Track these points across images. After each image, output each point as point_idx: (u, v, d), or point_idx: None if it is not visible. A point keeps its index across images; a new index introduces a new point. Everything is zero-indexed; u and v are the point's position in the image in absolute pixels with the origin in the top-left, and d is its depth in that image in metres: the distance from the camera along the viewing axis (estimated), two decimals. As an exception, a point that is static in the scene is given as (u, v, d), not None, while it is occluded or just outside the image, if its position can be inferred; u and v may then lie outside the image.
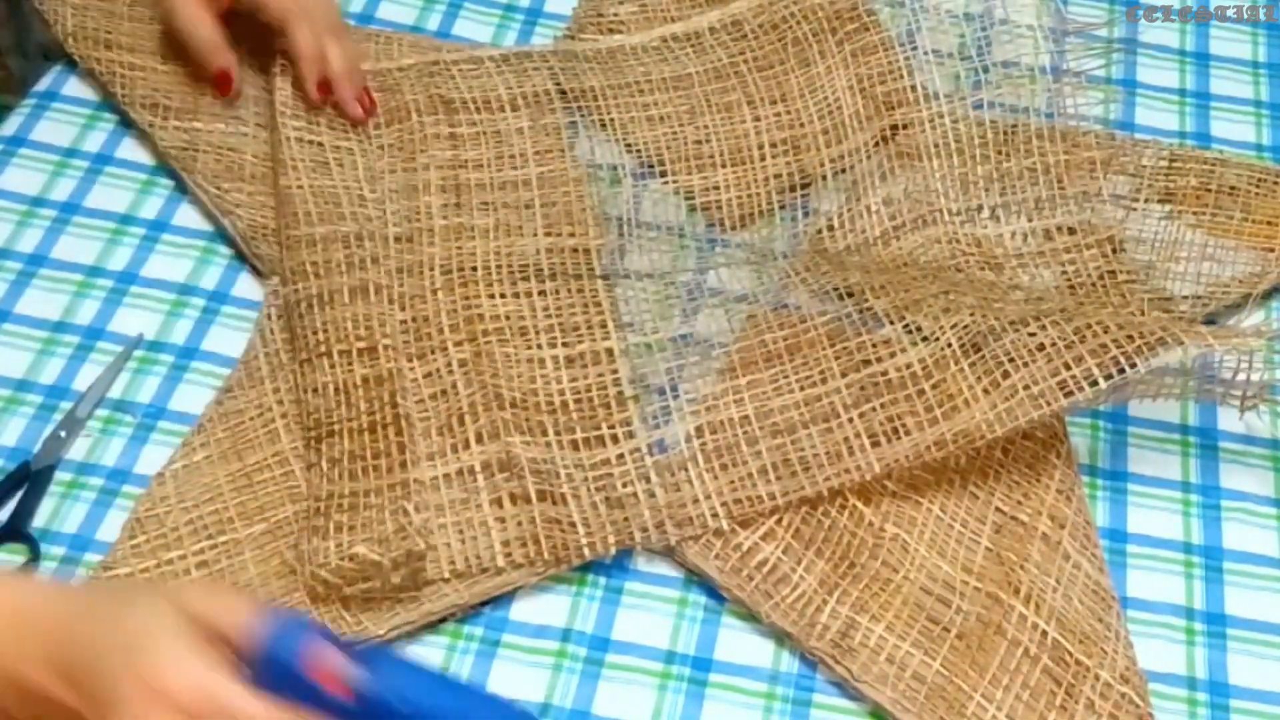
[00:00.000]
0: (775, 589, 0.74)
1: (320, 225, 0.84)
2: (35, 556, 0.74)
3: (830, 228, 0.89)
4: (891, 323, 0.79)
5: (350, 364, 0.79)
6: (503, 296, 0.84)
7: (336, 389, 0.78)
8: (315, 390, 0.78)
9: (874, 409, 0.77)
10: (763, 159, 0.92)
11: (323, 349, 0.79)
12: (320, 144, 0.89)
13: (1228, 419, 0.83)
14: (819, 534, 0.76)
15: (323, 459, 0.76)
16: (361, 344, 0.80)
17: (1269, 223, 0.90)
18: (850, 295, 0.82)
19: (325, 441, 0.77)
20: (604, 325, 0.83)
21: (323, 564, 0.72)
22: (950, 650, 0.72)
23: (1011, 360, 0.75)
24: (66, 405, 0.80)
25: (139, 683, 0.55)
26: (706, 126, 0.93)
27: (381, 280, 0.83)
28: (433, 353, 0.81)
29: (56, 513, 0.76)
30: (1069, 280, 0.87)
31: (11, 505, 0.76)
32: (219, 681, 0.55)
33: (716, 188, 0.91)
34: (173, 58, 0.94)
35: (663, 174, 0.91)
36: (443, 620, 0.73)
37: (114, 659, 0.55)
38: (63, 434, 0.78)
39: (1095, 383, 0.73)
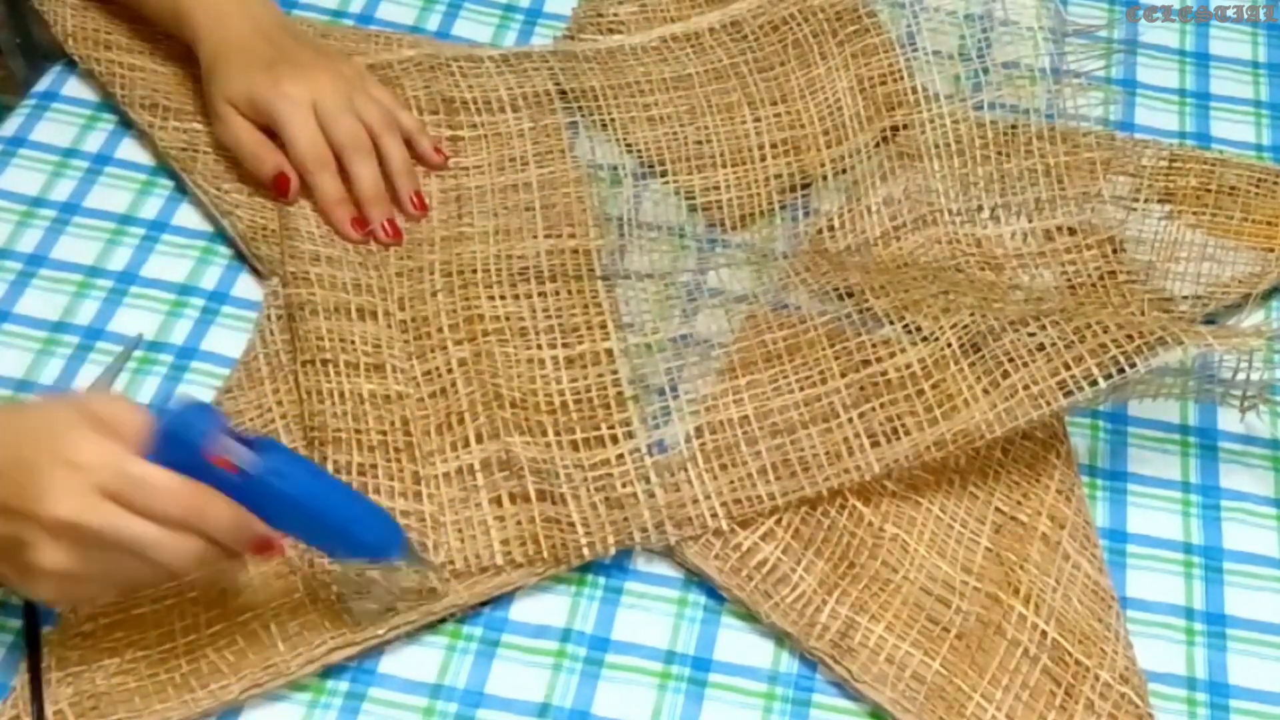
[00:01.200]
0: (775, 589, 0.74)
1: (324, 246, 0.85)
2: None
3: (830, 228, 0.89)
4: (891, 323, 0.79)
5: (356, 376, 0.79)
6: (503, 298, 0.84)
7: (343, 397, 0.78)
8: (319, 394, 0.78)
9: (874, 409, 0.77)
10: (763, 159, 0.92)
11: (327, 355, 0.79)
12: None
13: (1228, 419, 0.83)
14: (819, 534, 0.76)
15: (328, 462, 0.76)
16: (369, 360, 0.80)
17: (1269, 223, 0.90)
18: (850, 295, 0.82)
19: (331, 446, 0.76)
20: (604, 326, 0.83)
21: (328, 569, 0.72)
22: (950, 650, 0.72)
23: (1011, 360, 0.75)
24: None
25: (59, 462, 0.61)
26: (707, 127, 0.93)
27: (391, 308, 0.83)
28: (432, 351, 0.81)
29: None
30: (1069, 280, 0.87)
31: None
32: (128, 457, 0.62)
33: (717, 188, 0.91)
34: (173, 58, 0.94)
35: (663, 174, 0.91)
36: (443, 620, 0.73)
37: (32, 450, 0.62)
38: None
39: (1095, 382, 0.73)
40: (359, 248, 0.86)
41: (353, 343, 0.80)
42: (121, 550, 0.62)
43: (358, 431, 0.77)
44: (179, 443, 0.62)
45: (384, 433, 0.77)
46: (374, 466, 0.76)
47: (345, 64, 0.90)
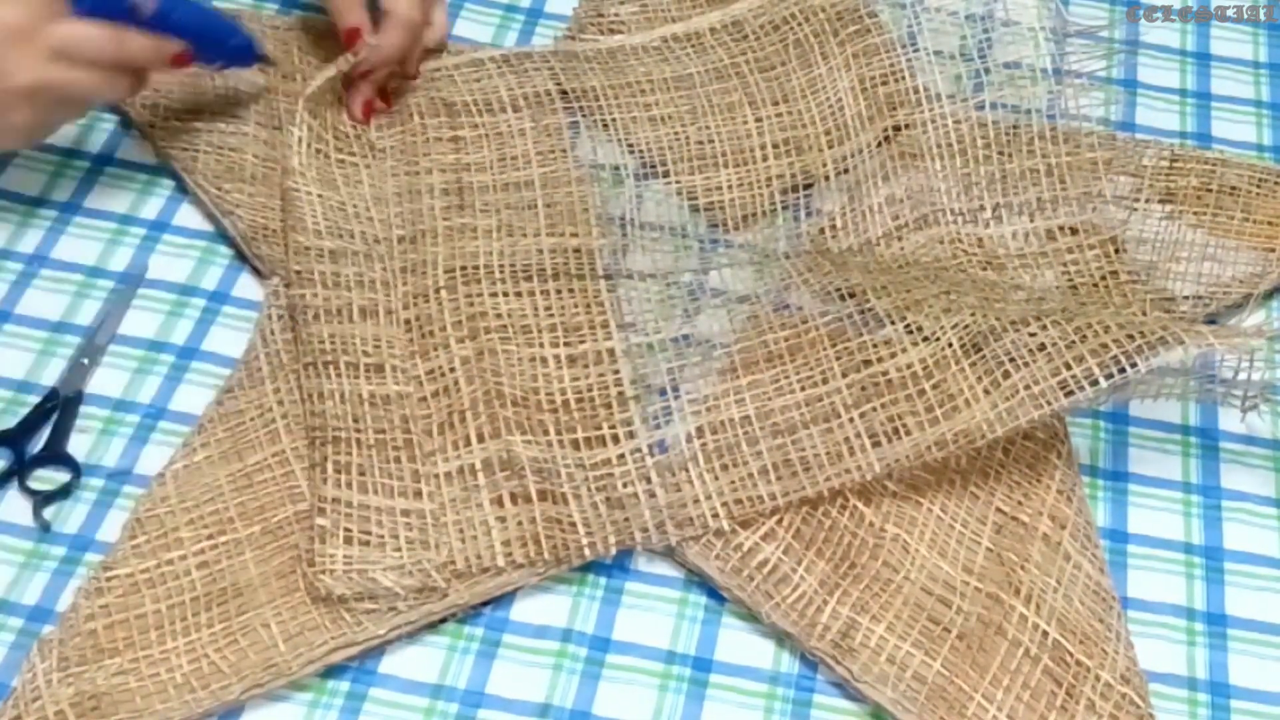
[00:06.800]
0: (776, 589, 0.74)
1: (329, 240, 0.84)
2: (76, 475, 0.77)
3: (832, 228, 0.89)
4: (893, 323, 0.79)
5: (356, 377, 0.79)
6: (505, 296, 0.84)
7: (343, 398, 0.78)
8: (320, 395, 0.78)
9: (875, 409, 0.77)
10: (765, 159, 0.92)
11: (329, 358, 0.79)
12: (326, 156, 0.89)
13: (1229, 419, 0.83)
14: (819, 534, 0.76)
15: (328, 461, 0.76)
16: (369, 360, 0.80)
17: (1270, 223, 0.90)
18: (852, 295, 0.82)
19: (331, 445, 0.76)
20: (606, 325, 0.83)
21: (329, 569, 0.72)
22: (951, 651, 0.72)
23: (1012, 360, 0.75)
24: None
25: (8, 38, 0.76)
26: (708, 127, 0.93)
27: (394, 305, 0.83)
28: (435, 350, 0.81)
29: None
30: (1070, 280, 0.87)
31: (47, 431, 0.79)
32: (62, 20, 0.78)
33: (719, 188, 0.91)
34: (174, 58, 0.94)
35: (665, 174, 0.91)
36: (443, 620, 0.73)
37: None
38: (85, 361, 0.81)
39: (1096, 382, 0.73)
40: (362, 240, 0.85)
41: (354, 344, 0.80)
42: (73, 97, 0.81)
43: (357, 431, 0.77)
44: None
45: (382, 432, 0.77)
46: (373, 466, 0.76)
47: None
